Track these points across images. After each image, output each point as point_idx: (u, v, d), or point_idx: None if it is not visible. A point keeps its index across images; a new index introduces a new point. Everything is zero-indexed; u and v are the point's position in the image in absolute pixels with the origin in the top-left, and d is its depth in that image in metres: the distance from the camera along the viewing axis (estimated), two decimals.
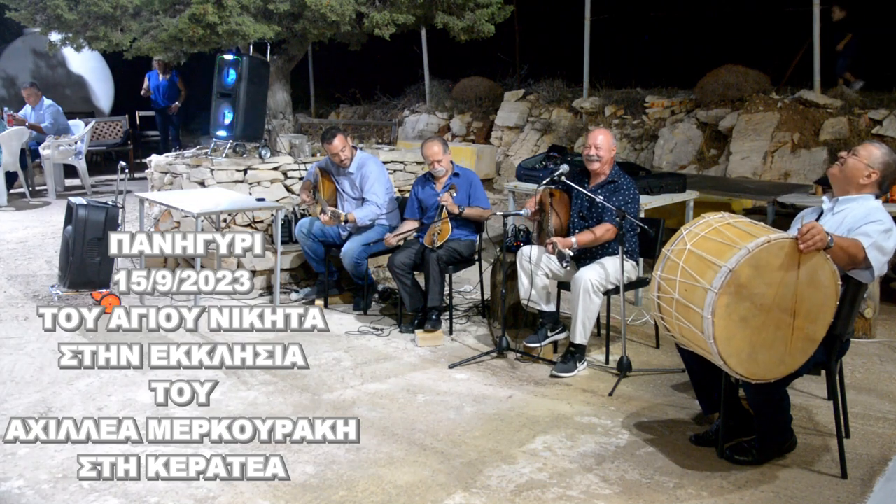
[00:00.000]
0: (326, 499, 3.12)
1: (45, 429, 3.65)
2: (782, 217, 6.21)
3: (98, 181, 10.91)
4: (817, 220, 3.39)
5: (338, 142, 5.47)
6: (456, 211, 5.08)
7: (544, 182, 4.70)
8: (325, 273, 5.66)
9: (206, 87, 6.89)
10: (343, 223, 5.40)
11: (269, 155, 6.35)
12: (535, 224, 4.80)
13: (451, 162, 5.35)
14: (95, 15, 6.14)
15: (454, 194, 5.14)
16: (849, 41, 9.07)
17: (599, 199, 4.49)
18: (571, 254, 4.43)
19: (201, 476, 3.26)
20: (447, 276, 5.11)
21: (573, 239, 4.49)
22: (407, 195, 5.89)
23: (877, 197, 3.40)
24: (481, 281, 5.56)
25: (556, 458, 3.45)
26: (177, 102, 11.63)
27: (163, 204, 5.70)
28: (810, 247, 2.97)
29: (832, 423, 3.48)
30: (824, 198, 3.50)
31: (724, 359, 3.04)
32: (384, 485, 3.22)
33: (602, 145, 4.56)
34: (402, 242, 5.31)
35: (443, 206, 5.09)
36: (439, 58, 12.27)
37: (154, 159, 7.00)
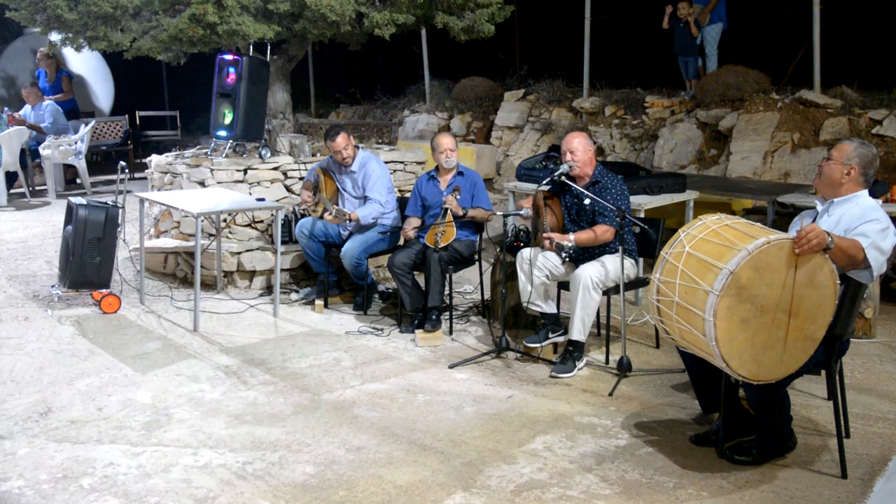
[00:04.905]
0: (326, 499, 3.12)
1: (46, 429, 3.65)
2: (782, 217, 6.21)
3: (98, 181, 10.91)
4: (812, 222, 3.38)
5: (341, 140, 5.49)
6: (460, 213, 5.08)
7: (544, 182, 4.71)
8: (325, 273, 5.66)
9: (206, 87, 6.89)
10: (347, 222, 5.42)
11: (269, 155, 6.35)
12: (531, 226, 4.81)
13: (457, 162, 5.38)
14: (95, 15, 6.14)
15: (458, 196, 5.14)
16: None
17: (587, 201, 4.49)
18: (570, 243, 4.42)
19: (201, 476, 3.26)
20: (447, 276, 5.11)
21: (570, 235, 4.50)
22: (407, 195, 5.89)
23: (870, 193, 3.41)
24: (481, 281, 5.56)
25: (556, 458, 3.45)
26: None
27: (163, 204, 5.69)
28: (806, 250, 2.98)
29: (832, 423, 3.48)
30: (816, 200, 3.50)
31: (726, 360, 3.04)
32: (384, 485, 3.22)
33: (577, 148, 4.58)
34: (401, 242, 5.32)
35: (447, 207, 5.09)
36: (439, 58, 12.26)
37: (154, 159, 7.00)
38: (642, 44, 10.86)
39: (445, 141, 5.31)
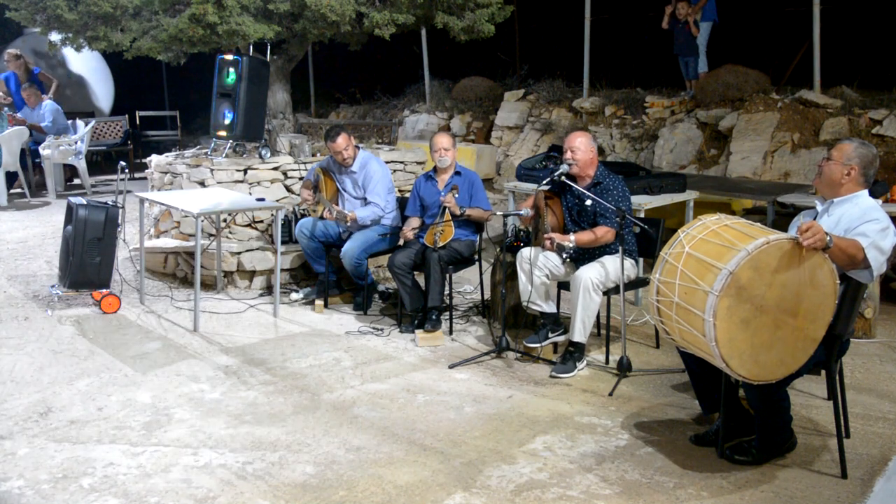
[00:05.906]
0: (326, 499, 3.12)
1: (46, 429, 3.65)
2: (782, 217, 6.21)
3: (98, 181, 10.91)
4: None
5: (341, 140, 5.49)
6: (458, 212, 5.08)
7: (544, 182, 4.71)
8: (325, 273, 5.66)
9: (206, 87, 6.89)
10: (347, 222, 5.42)
11: (269, 155, 6.35)
12: (532, 226, 4.81)
13: (455, 161, 5.38)
14: (95, 15, 6.15)
15: (456, 195, 5.14)
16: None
17: (588, 202, 4.49)
18: (570, 244, 4.42)
19: (201, 476, 3.26)
20: (447, 276, 5.11)
21: (571, 236, 4.49)
22: (407, 195, 5.89)
23: (870, 193, 3.41)
24: (481, 281, 5.56)
25: (556, 458, 3.45)
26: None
27: (163, 204, 5.70)
28: (812, 244, 2.97)
29: (832, 423, 3.48)
30: (816, 200, 3.50)
31: (726, 361, 3.04)
32: (384, 485, 3.22)
33: (578, 147, 4.56)
34: (402, 242, 5.32)
35: (445, 206, 5.09)
36: (439, 58, 12.26)
37: (154, 159, 7.00)
38: (642, 44, 10.86)
39: (440, 140, 5.31)
